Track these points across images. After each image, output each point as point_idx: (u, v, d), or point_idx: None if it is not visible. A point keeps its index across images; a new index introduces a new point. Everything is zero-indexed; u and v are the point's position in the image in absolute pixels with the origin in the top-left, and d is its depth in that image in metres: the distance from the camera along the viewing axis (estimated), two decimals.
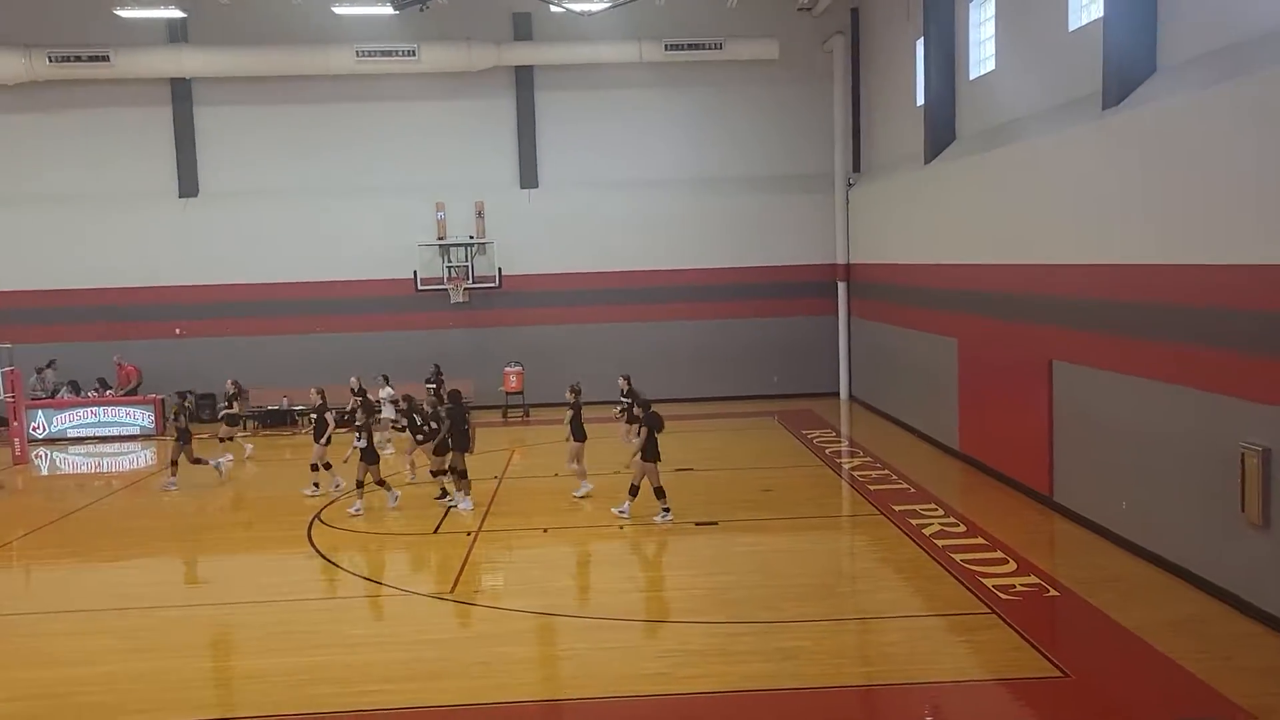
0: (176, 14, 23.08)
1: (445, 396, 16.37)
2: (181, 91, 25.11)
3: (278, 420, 24.33)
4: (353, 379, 18.96)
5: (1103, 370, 12.77)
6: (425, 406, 16.95)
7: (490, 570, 12.70)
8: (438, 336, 25.46)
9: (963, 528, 13.56)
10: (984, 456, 16.90)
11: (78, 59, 23.46)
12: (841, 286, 25.82)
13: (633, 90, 25.68)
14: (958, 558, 12.16)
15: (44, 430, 22.94)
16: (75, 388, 23.93)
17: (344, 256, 25.32)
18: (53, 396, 23.59)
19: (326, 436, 16.77)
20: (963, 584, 11.25)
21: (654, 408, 14.49)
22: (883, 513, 14.53)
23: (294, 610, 11.24)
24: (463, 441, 15.50)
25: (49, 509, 16.42)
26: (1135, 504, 12.12)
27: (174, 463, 17.75)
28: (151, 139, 25.19)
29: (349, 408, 18.25)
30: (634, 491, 14.62)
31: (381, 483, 15.61)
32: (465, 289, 25.10)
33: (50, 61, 23.42)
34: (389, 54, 24.11)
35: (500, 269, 25.13)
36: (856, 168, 25.70)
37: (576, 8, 21.38)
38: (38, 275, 24.73)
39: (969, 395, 17.51)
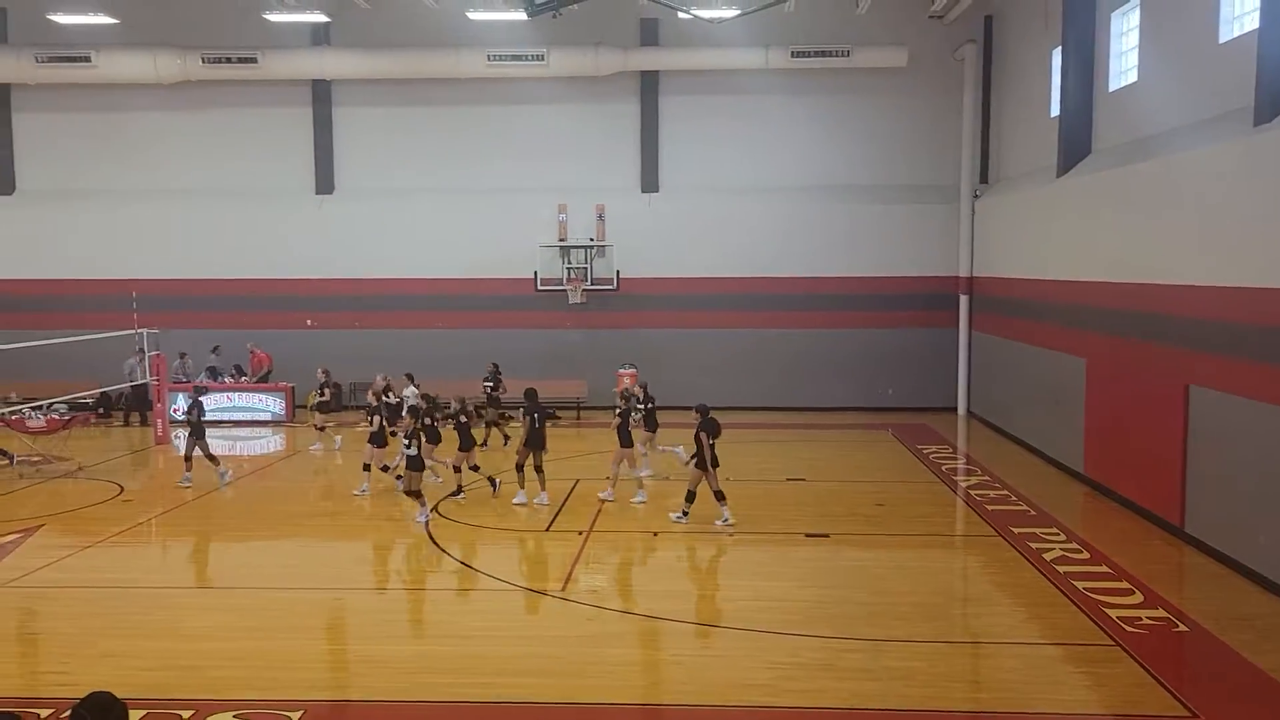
0: (320, 18, 24.04)
1: (490, 399, 16.97)
2: (322, 92, 26.09)
3: (396, 412, 24.97)
4: (379, 378, 18.79)
5: (1244, 398, 12.20)
6: (452, 405, 17.06)
7: (600, 570, 12.85)
8: (554, 336, 25.86)
9: (1086, 554, 13.12)
10: (1111, 481, 16.31)
11: (228, 60, 24.63)
12: (963, 299, 25.24)
13: (756, 96, 25.60)
14: (1080, 585, 11.77)
15: (183, 413, 24.09)
16: (213, 373, 25.08)
17: (468, 255, 25.91)
18: (210, 378, 24.81)
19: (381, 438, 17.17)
20: (1084, 613, 10.88)
21: (710, 414, 14.61)
22: (1000, 534, 14.17)
23: (410, 599, 11.60)
24: (537, 439, 15.94)
25: (186, 489, 17.23)
26: (1274, 538, 11.54)
27: (196, 457, 17.17)
28: (292, 138, 26.24)
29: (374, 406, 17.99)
30: (690, 497, 14.71)
31: (417, 494, 14.83)
32: (583, 290, 25.42)
33: (204, 63, 24.62)
34: (519, 58, 24.59)
35: (618, 271, 25.36)
36: (983, 179, 25.11)
37: (706, 15, 21.42)
38: (183, 265, 25.99)
39: (1096, 417, 16.92)
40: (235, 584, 12.15)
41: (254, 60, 24.66)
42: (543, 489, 15.95)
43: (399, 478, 16.21)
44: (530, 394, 16.60)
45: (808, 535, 14.17)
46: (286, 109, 26.13)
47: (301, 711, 8.44)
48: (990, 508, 15.73)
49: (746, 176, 25.87)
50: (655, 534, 14.24)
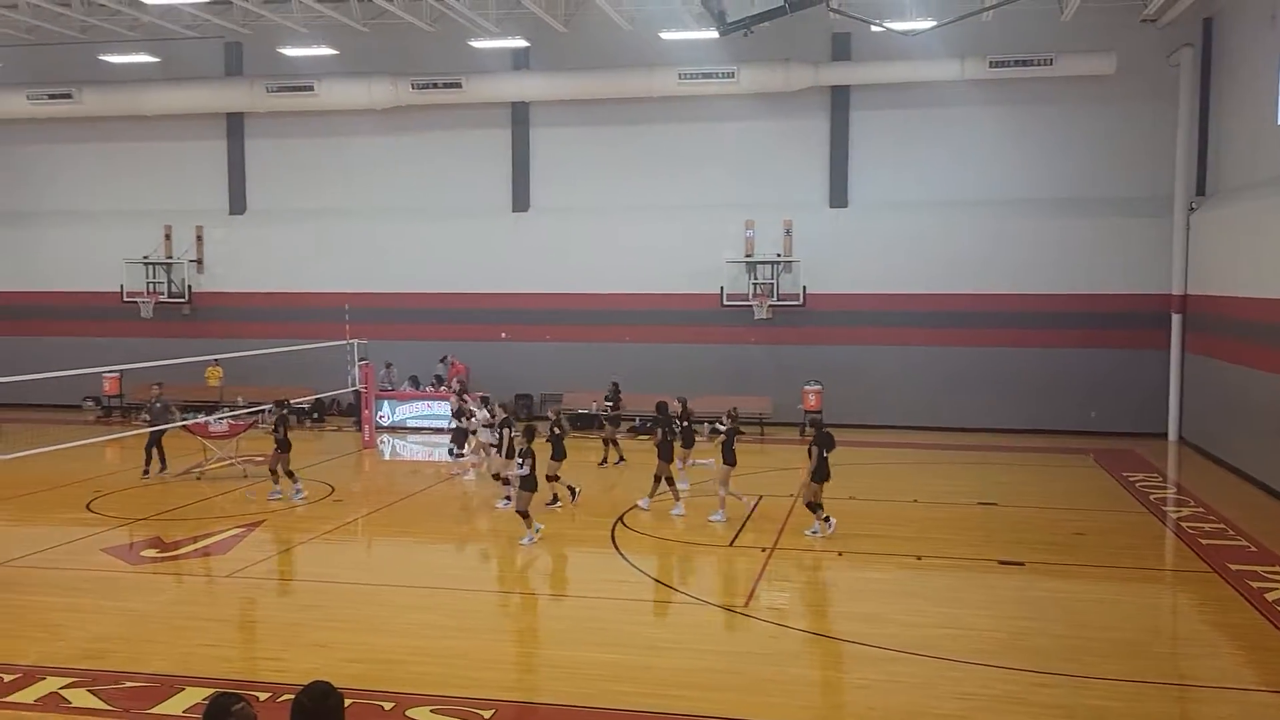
0: (521, 43, 25.10)
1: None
2: (520, 114, 27.15)
3: (586, 423, 25.68)
4: (452, 395, 18.88)
5: None
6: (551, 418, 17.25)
7: (783, 588, 12.81)
8: (739, 351, 25.93)
9: None
10: None
11: (435, 86, 26.02)
12: (1175, 319, 23.73)
13: (951, 108, 24.96)
14: None
15: (389, 419, 25.56)
16: (415, 382, 26.43)
17: (656, 270, 26.33)
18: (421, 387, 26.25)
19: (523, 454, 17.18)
20: None
21: (824, 428, 15.05)
22: (1215, 570, 13.25)
23: (596, 607, 11.87)
24: (667, 452, 16.47)
25: (390, 490, 18.25)
26: None
27: (273, 472, 17.21)
28: (491, 158, 27.40)
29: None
30: (813, 508, 14.83)
31: (525, 515, 14.58)
32: (769, 306, 25.39)
33: (413, 88, 26.13)
34: (709, 76, 24.87)
35: (805, 287, 25.20)
36: (1200, 191, 23.56)
37: (898, 27, 21.07)
38: (388, 279, 27.51)
39: None
40: (435, 584, 12.76)
41: (459, 85, 25.95)
42: (677, 500, 16.36)
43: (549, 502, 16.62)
44: (661, 407, 17.29)
45: (1000, 562, 13.67)
46: (487, 130, 27.32)
47: (493, 710, 8.81)
48: (1204, 541, 14.73)
49: (939, 191, 25.22)
50: (840, 554, 14.07)
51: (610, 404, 21.92)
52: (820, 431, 15.01)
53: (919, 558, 13.86)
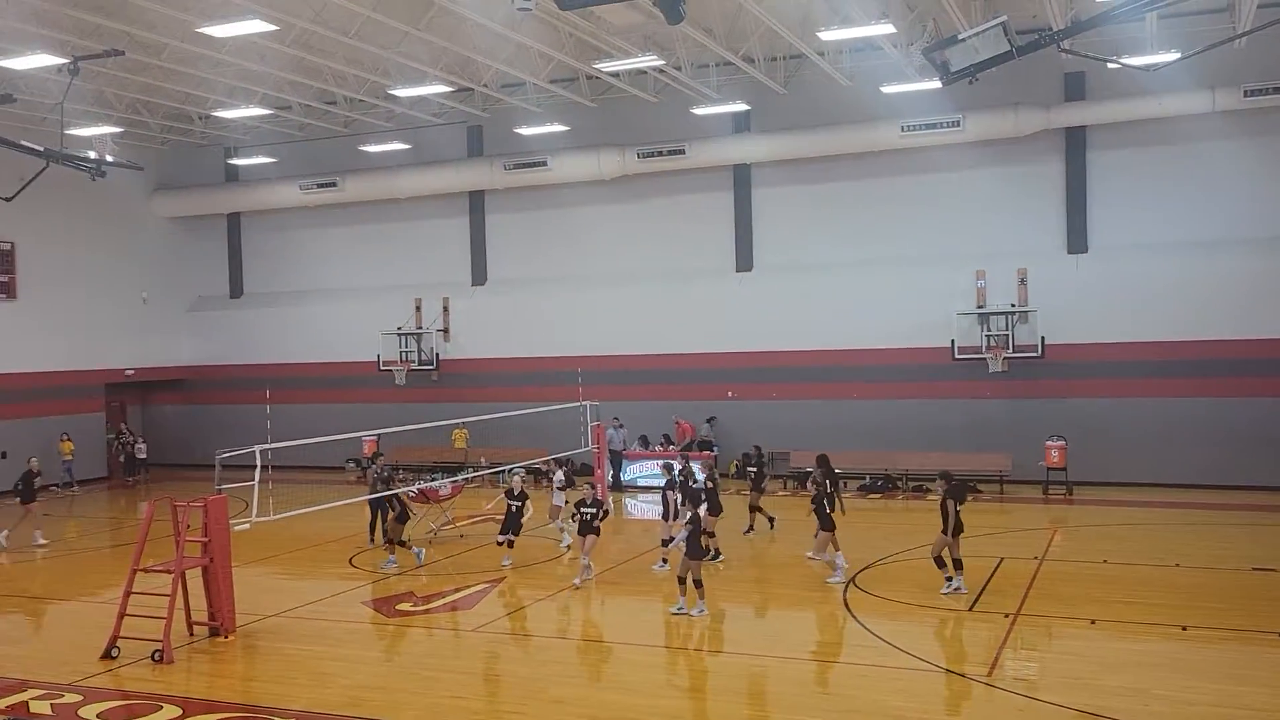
0: (741, 107, 25.61)
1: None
2: (742, 176, 27.57)
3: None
4: (515, 478, 17.88)
5: None
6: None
7: (1030, 657, 12.12)
8: (973, 406, 24.97)
9: None
10: None
11: (659, 154, 26.96)
12: None
13: (1200, 143, 23.39)
14: None
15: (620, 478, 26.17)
16: (644, 442, 26.98)
17: (882, 325, 25.85)
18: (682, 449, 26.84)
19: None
20: None
21: (955, 481, 14.65)
22: None
23: (827, 671, 11.63)
24: (827, 522, 15.64)
25: (622, 549, 18.61)
26: None
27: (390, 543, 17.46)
28: (714, 220, 27.91)
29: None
30: (940, 564, 14.56)
31: (697, 582, 13.95)
32: (1005, 358, 24.35)
33: (639, 157, 27.19)
34: (933, 127, 24.47)
35: (1043, 338, 24.03)
36: None
37: (1136, 63, 19.96)
38: (618, 342, 28.27)
39: None
40: (666, 643, 12.91)
41: (682, 151, 26.74)
42: (836, 550, 15.95)
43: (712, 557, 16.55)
44: (822, 460, 16.85)
45: None
46: (709, 193, 27.88)
47: None
48: None
49: (1189, 230, 23.57)
50: (1093, 621, 13.17)
51: (754, 470, 20.36)
52: (951, 484, 14.69)
53: (1184, 628, 12.78)
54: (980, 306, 24.80)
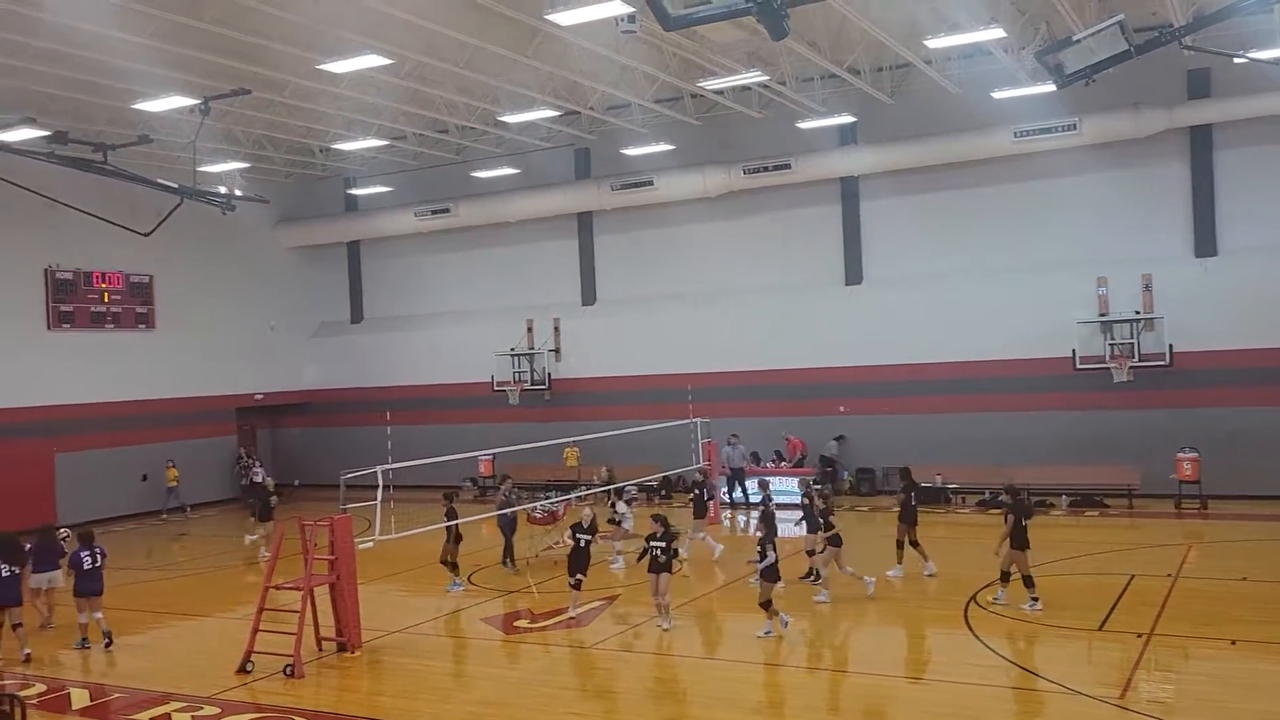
0: (848, 119, 25.37)
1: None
2: (849, 188, 27.30)
3: (932, 498, 24.82)
4: (585, 510, 16.72)
5: None
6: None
7: (1166, 679, 11.62)
8: (1097, 417, 24.10)
9: None
10: None
11: (765, 169, 26.91)
12: None
13: None
14: None
15: (730, 494, 26.09)
16: (755, 458, 26.83)
17: (997, 336, 25.18)
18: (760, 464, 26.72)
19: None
20: None
21: (1021, 495, 14.98)
22: None
23: (951, 692, 11.36)
24: (910, 516, 16.41)
25: (735, 565, 18.54)
26: None
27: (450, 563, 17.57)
28: (822, 233, 27.68)
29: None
30: (1005, 578, 14.59)
31: (768, 605, 13.66)
32: (1130, 367, 23.47)
33: (744, 174, 27.19)
34: (1048, 131, 23.83)
35: (1171, 345, 23.09)
36: None
37: (1265, 56, 19.13)
38: (726, 358, 28.16)
39: None
40: (783, 661, 12.80)
41: (788, 166, 26.63)
42: (926, 559, 16.53)
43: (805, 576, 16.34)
44: (905, 473, 17.11)
45: None
46: (816, 207, 27.67)
47: None
48: None
49: None
50: (1233, 642, 12.55)
51: (819, 486, 19.71)
52: (1015, 499, 14.95)
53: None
54: (1103, 314, 23.96)
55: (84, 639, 14.88)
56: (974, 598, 15.22)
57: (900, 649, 13.53)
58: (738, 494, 25.92)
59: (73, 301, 27.96)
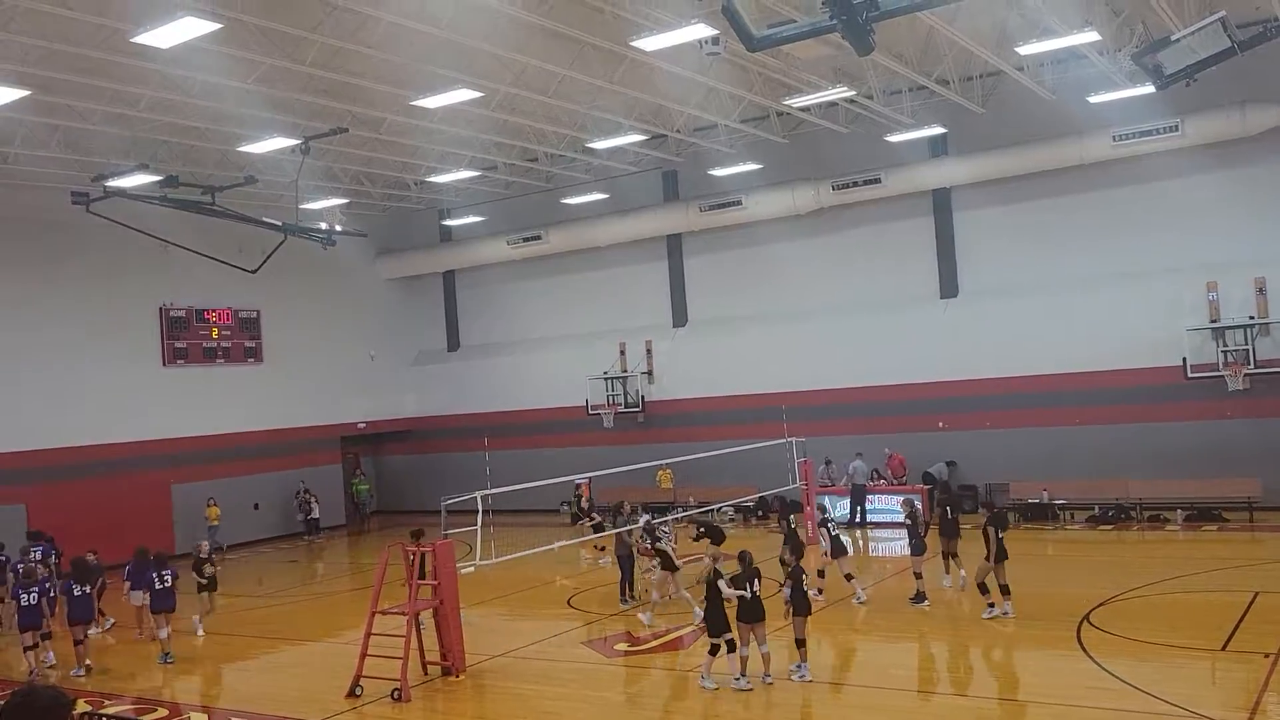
0: (938, 130, 24.98)
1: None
2: (941, 200, 26.87)
3: (1038, 514, 24.15)
4: (635, 533, 17.55)
5: None
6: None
7: None
8: (1212, 427, 23.15)
9: None
10: None
11: (854, 184, 26.67)
12: None
13: None
14: None
15: (830, 514, 25.74)
16: (877, 474, 26.38)
17: (1102, 345, 24.40)
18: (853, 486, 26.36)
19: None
20: None
21: (998, 509, 15.62)
22: None
23: (1065, 716, 10.99)
24: (951, 529, 16.58)
25: (838, 588, 18.28)
26: None
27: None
28: (914, 247, 27.26)
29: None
30: (984, 589, 15.10)
31: (799, 641, 12.85)
32: (1246, 375, 22.53)
33: (833, 190, 26.99)
34: (1148, 134, 23.13)
35: None
36: None
37: None
38: (820, 376, 27.84)
39: None
40: (892, 685, 12.55)
41: (878, 180, 26.35)
42: (961, 570, 16.74)
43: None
44: (944, 486, 17.28)
45: None
46: (908, 220, 27.29)
47: None
48: None
49: None
50: None
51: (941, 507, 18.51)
52: (994, 512, 15.51)
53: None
54: (1214, 321, 23.08)
55: (166, 654, 15.98)
56: (1087, 617, 14.73)
57: (1012, 670, 13.15)
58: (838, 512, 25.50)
59: (186, 338, 29.15)
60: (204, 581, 17.72)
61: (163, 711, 13.45)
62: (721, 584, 12.51)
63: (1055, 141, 24.41)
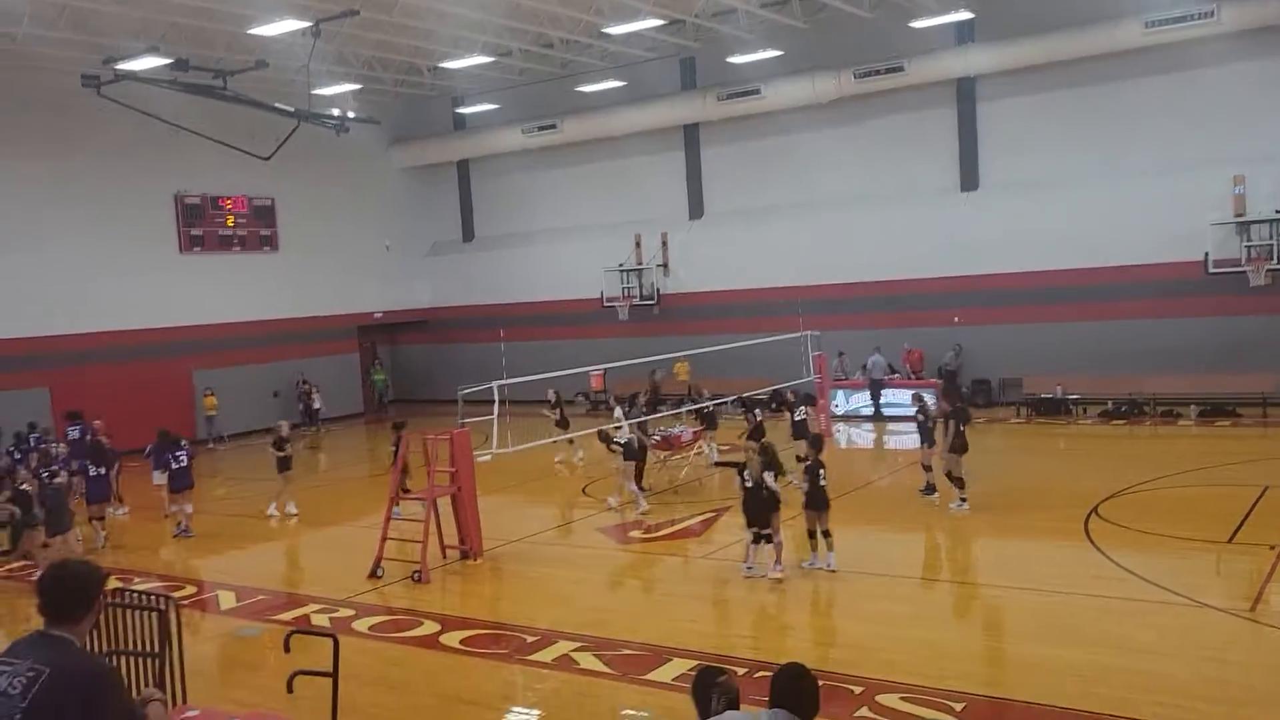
0: (965, 15, 24.22)
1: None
2: (966, 90, 26.24)
3: (1051, 409, 24.25)
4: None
5: None
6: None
7: None
8: (1230, 324, 23.01)
9: None
10: None
11: (877, 73, 26.01)
12: None
13: None
14: None
15: (841, 408, 25.95)
16: (890, 368, 26.45)
17: (1123, 240, 24.11)
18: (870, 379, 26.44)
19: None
20: None
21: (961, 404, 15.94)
22: None
23: (1069, 604, 11.22)
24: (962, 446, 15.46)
25: (850, 479, 18.53)
26: None
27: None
28: (936, 138, 26.75)
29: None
30: (957, 483, 15.28)
31: (825, 533, 12.95)
32: (1268, 270, 22.27)
33: (855, 78, 26.34)
34: (1183, 20, 22.40)
35: None
36: None
37: None
38: (837, 270, 27.70)
39: None
40: (897, 573, 12.82)
41: (901, 68, 25.70)
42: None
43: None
44: (954, 395, 17.59)
45: None
46: (930, 110, 26.72)
47: (964, 704, 8.69)
48: None
49: None
50: None
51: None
52: (957, 407, 15.75)
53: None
54: (1239, 215, 22.70)
55: (184, 527, 16.93)
56: (1095, 509, 14.91)
57: (1015, 559, 13.37)
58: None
59: (201, 225, 29.11)
60: (283, 456, 17.95)
61: (191, 588, 13.88)
62: (767, 477, 12.74)
63: (1086, 28, 23.68)
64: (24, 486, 15.41)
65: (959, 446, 15.31)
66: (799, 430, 18.44)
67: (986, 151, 26.29)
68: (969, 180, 26.52)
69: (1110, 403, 23.83)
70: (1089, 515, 14.68)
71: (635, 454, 17.08)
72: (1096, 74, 24.48)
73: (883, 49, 25.99)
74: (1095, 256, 24.53)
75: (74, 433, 21.39)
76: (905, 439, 22.76)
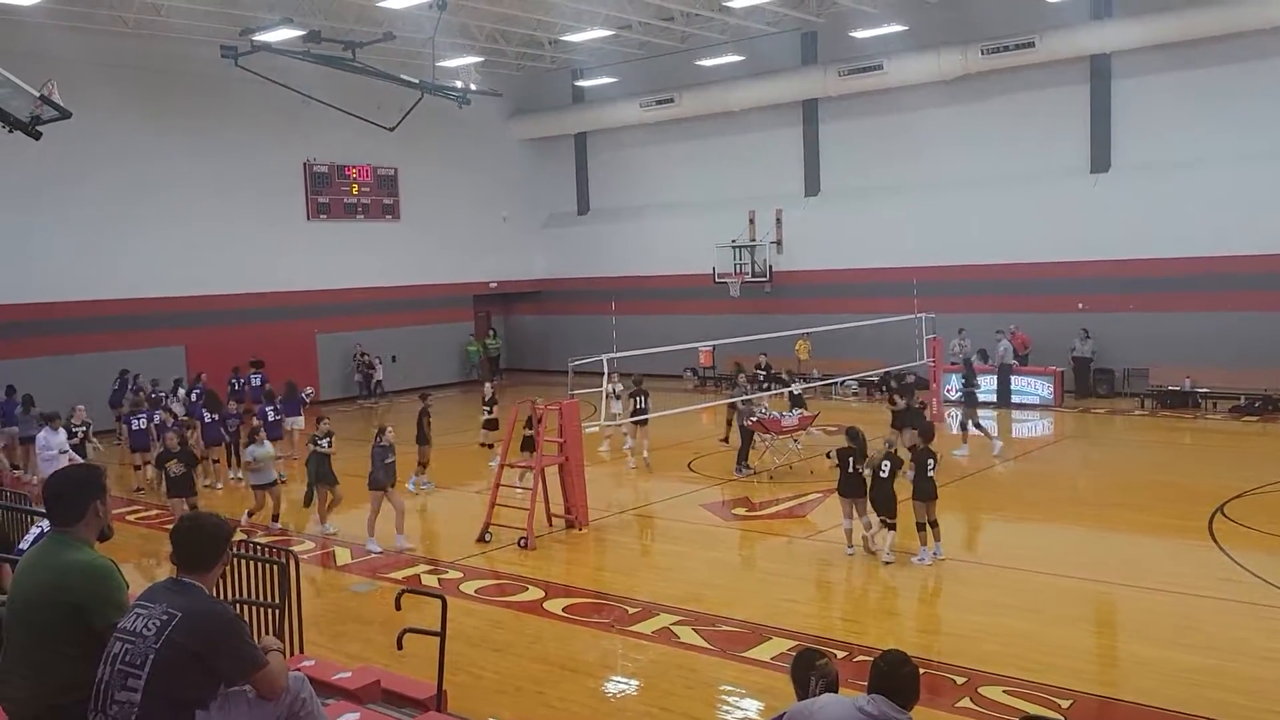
0: None
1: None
2: (1100, 67, 25.19)
3: (1179, 401, 23.29)
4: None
5: None
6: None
7: None
8: None
9: None
10: None
11: (1006, 49, 25.16)
12: None
13: None
14: None
15: (956, 393, 25.35)
16: (984, 356, 25.76)
17: (1262, 226, 22.86)
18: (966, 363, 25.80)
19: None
20: None
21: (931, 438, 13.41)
22: None
23: (1189, 604, 10.82)
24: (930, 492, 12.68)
25: (966, 465, 18.15)
26: None
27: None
28: (1066, 117, 25.78)
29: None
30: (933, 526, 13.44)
31: (932, 524, 12.55)
32: None
33: (983, 54, 25.55)
34: None
35: None
36: None
37: None
38: (956, 251, 26.98)
39: None
40: (1005, 563, 12.55)
41: (1031, 45, 24.82)
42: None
43: None
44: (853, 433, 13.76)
45: None
46: (1060, 88, 25.77)
47: (1071, 701, 8.48)
48: None
49: None
50: None
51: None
52: (924, 445, 13.06)
53: None
54: None
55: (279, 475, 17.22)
56: (1221, 509, 14.31)
57: (1133, 556, 12.93)
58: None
59: (328, 193, 30.10)
60: (491, 418, 19.12)
61: (309, 544, 14.47)
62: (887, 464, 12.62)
63: (1230, 5, 22.45)
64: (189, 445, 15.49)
65: (929, 493, 12.53)
66: (912, 418, 18.07)
67: (1120, 131, 25.23)
68: (1100, 161, 25.51)
69: (1243, 398, 22.75)
70: (1214, 514, 14.10)
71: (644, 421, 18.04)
72: (1238, 51, 23.21)
73: (1012, 24, 25.13)
74: (1231, 243, 23.35)
75: (255, 379, 23.43)
76: (1021, 427, 22.27)
